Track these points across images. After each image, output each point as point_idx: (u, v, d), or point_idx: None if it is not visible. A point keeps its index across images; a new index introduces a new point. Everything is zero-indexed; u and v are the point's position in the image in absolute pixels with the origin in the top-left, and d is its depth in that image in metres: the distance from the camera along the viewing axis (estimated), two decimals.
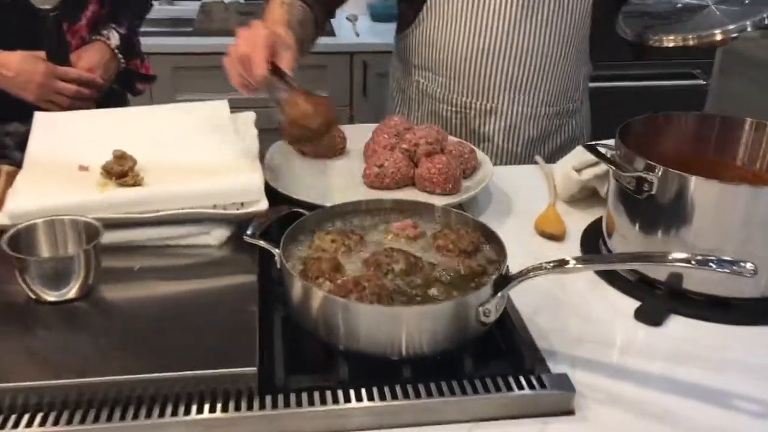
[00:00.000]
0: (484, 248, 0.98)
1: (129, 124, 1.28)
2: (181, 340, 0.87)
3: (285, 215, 1.05)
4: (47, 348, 0.86)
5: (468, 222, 1.02)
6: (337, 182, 1.27)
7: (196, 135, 1.23)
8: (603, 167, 1.24)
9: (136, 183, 1.13)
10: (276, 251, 0.94)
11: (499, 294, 0.87)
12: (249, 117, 1.32)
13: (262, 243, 0.97)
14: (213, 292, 0.99)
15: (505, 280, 0.88)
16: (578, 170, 1.26)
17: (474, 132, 1.54)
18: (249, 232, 0.98)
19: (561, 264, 0.86)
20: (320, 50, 2.68)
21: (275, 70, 1.11)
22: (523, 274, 0.87)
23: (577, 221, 1.24)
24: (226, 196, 1.05)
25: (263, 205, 1.05)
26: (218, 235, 1.05)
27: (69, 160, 1.18)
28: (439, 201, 1.20)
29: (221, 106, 1.33)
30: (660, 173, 1.02)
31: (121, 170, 1.15)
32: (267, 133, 1.30)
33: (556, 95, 1.53)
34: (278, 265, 0.94)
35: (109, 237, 1.02)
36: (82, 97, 1.47)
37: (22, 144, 1.50)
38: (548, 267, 0.86)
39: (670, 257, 0.85)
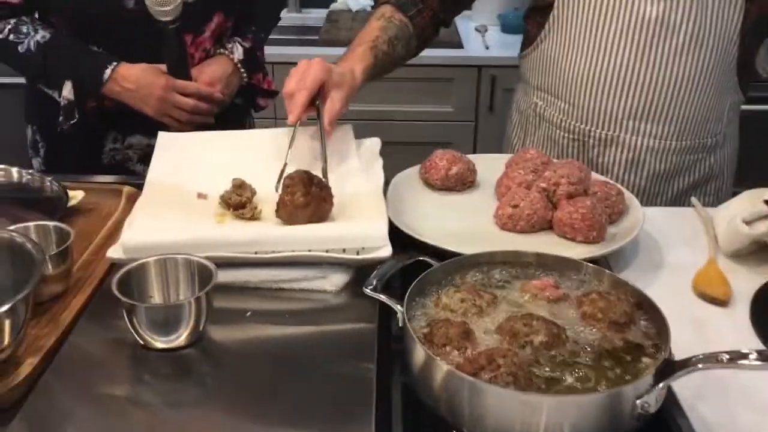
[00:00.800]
0: (638, 320, 0.84)
1: (250, 149, 1.23)
2: (293, 394, 0.81)
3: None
4: (153, 397, 0.81)
5: (620, 285, 0.88)
6: (465, 222, 1.16)
7: (318, 164, 1.16)
8: None
9: (254, 216, 1.07)
10: (399, 309, 0.84)
11: (661, 384, 0.73)
12: (374, 144, 1.24)
13: (383, 298, 0.87)
14: (328, 342, 0.90)
15: (668, 368, 0.74)
16: (748, 222, 1.08)
17: (592, 162, 1.38)
18: (370, 283, 0.89)
19: (739, 358, 0.71)
20: (447, 63, 2.60)
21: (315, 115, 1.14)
22: (692, 365, 0.73)
23: (744, 282, 1.06)
24: (348, 241, 0.97)
25: (386, 251, 0.96)
26: (336, 280, 0.97)
27: (188, 186, 1.14)
28: (580, 250, 1.07)
29: (345, 130, 1.25)
30: None
31: (239, 201, 1.09)
32: (387, 147, 1.24)
33: (690, 128, 1.33)
34: (400, 323, 0.84)
35: (222, 276, 0.95)
36: (201, 112, 1.43)
37: (144, 157, 1.51)
38: (723, 360, 0.71)
39: None
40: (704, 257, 1.12)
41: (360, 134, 2.45)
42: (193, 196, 1.12)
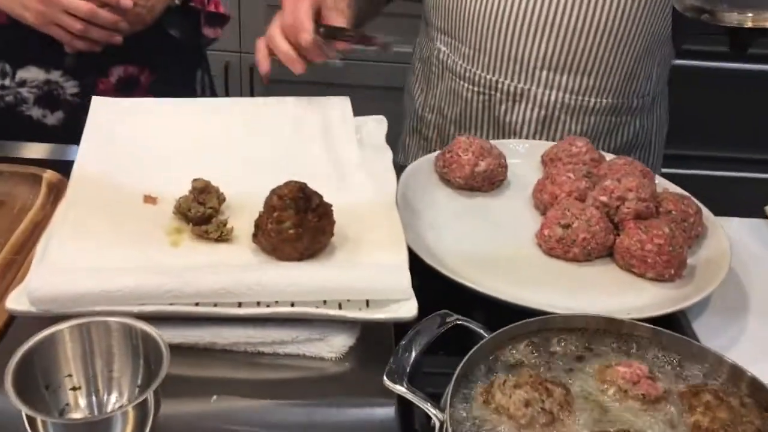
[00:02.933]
0: None
1: (220, 127, 0.92)
2: None
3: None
4: None
5: (741, 378, 0.63)
6: (498, 241, 0.89)
7: (310, 159, 0.87)
8: None
9: (222, 237, 0.78)
10: (437, 416, 0.58)
11: None
12: (379, 128, 0.94)
13: (411, 397, 0.60)
14: None
15: None
16: None
17: (497, 121, 1.13)
18: (394, 373, 0.61)
19: None
20: None
21: (327, 30, 0.96)
22: None
23: None
24: (357, 292, 0.69)
25: (410, 310, 0.69)
26: (336, 344, 0.70)
27: (130, 184, 0.83)
28: (654, 293, 0.82)
29: (341, 105, 0.96)
30: None
31: (201, 214, 0.80)
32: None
33: (613, 84, 1.09)
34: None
35: (176, 335, 0.68)
36: (102, 23, 1.06)
37: (42, 99, 1.15)
38: None
39: None
40: None
41: (339, 77, 2.09)
42: (138, 199, 0.83)
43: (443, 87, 1.18)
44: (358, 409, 0.67)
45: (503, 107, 1.12)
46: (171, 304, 0.68)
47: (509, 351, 0.66)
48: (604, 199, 0.88)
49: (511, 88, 1.10)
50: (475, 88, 1.13)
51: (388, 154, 0.91)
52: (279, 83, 2.13)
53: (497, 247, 0.88)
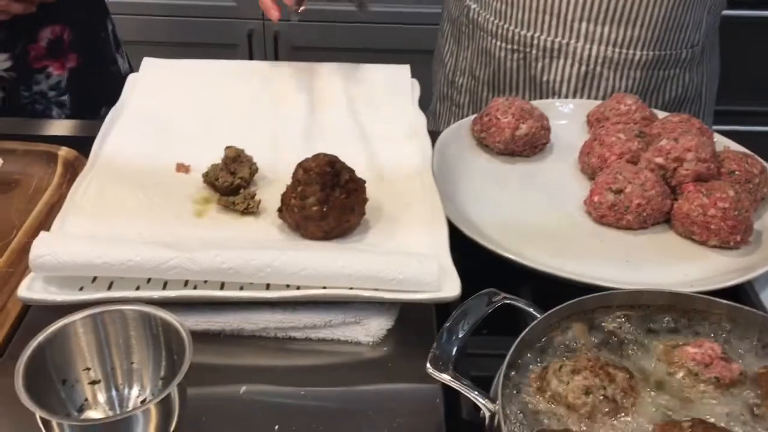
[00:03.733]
0: None
1: (266, 92, 0.87)
2: None
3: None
4: None
5: None
6: (543, 209, 0.82)
7: (354, 130, 0.82)
8: None
9: (248, 209, 0.73)
10: (487, 406, 0.53)
11: None
12: (406, 81, 0.88)
13: (458, 386, 0.55)
14: (365, 427, 0.59)
15: None
16: None
17: (534, 80, 1.05)
18: (438, 360, 0.56)
19: None
20: None
21: None
22: None
23: None
24: (375, 281, 0.63)
25: (454, 289, 0.63)
26: (374, 327, 0.64)
27: (164, 152, 0.80)
28: (721, 262, 0.75)
29: (399, 73, 0.90)
30: None
31: (229, 184, 0.75)
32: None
33: (660, 35, 1.00)
34: (487, 424, 0.53)
35: (202, 321, 0.63)
36: None
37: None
38: None
39: None
40: None
41: (370, 41, 2.01)
42: (171, 167, 0.78)
43: (474, 47, 1.10)
44: (399, 397, 0.61)
45: (540, 65, 1.04)
46: (195, 287, 0.64)
47: (563, 332, 0.60)
48: (659, 160, 0.80)
49: (548, 44, 1.02)
50: (509, 46, 1.05)
51: (423, 121, 0.84)
52: (303, 50, 2.07)
53: (543, 216, 0.81)
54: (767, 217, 0.81)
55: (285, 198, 0.68)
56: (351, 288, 0.63)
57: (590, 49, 1.01)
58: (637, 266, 0.75)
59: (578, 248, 0.77)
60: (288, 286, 0.64)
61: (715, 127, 1.03)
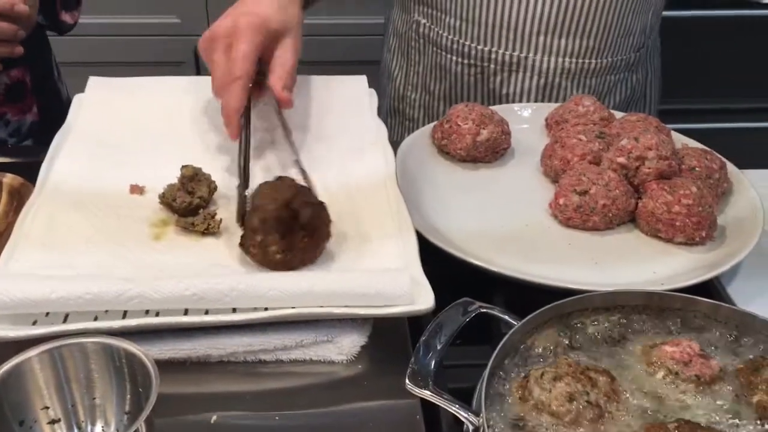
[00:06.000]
0: None
1: (217, 107, 0.84)
2: None
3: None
4: None
5: None
6: (508, 214, 0.81)
7: (314, 142, 0.80)
8: None
9: (209, 229, 0.70)
10: (470, 419, 0.51)
11: None
12: (369, 108, 0.86)
13: (439, 401, 0.53)
14: None
15: None
16: None
17: (493, 94, 1.06)
18: (416, 375, 0.54)
19: None
20: None
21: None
22: None
23: None
24: (346, 298, 0.61)
25: (425, 301, 0.61)
26: (347, 345, 0.62)
27: (116, 174, 0.76)
28: (685, 259, 0.75)
29: (356, 85, 0.88)
30: None
31: (187, 204, 0.72)
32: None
33: (611, 42, 1.02)
34: None
35: (167, 349, 0.60)
36: (4, 37, 0.94)
37: None
38: None
39: None
40: None
41: (327, 54, 1.98)
42: (124, 189, 0.75)
43: (426, 62, 1.09)
44: (377, 415, 0.59)
45: (498, 79, 1.04)
46: (157, 314, 0.61)
47: (542, 338, 0.59)
48: (621, 160, 0.80)
49: (507, 58, 1.02)
50: (466, 61, 1.04)
51: (384, 130, 0.82)
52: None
53: (509, 221, 0.80)
54: (729, 211, 0.82)
55: (244, 244, 0.65)
56: (321, 306, 0.60)
57: (548, 61, 1.02)
58: (607, 267, 0.75)
59: (547, 252, 0.76)
60: (255, 308, 0.62)
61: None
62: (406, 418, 0.58)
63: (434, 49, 1.07)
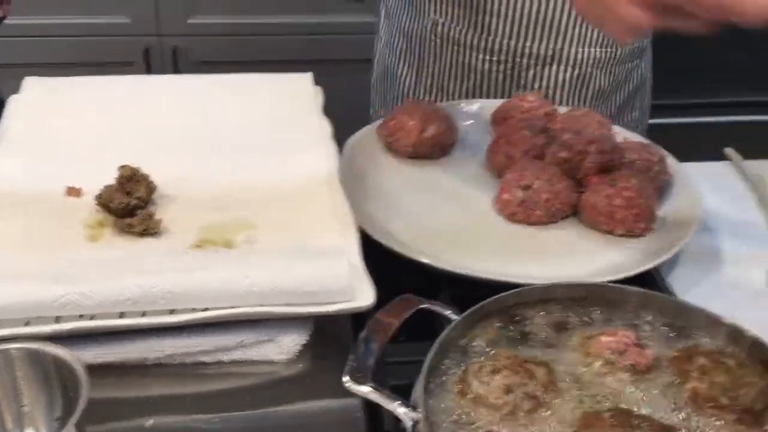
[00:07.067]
0: None
1: (159, 107, 0.83)
2: None
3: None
4: None
5: (737, 335, 0.58)
6: (454, 211, 0.81)
7: (253, 139, 0.79)
8: None
9: (148, 230, 0.69)
10: (408, 415, 0.51)
11: None
12: (314, 106, 0.85)
13: (377, 397, 0.53)
14: None
15: None
16: None
17: (525, 89, 1.05)
18: (355, 372, 0.54)
19: None
20: None
21: None
22: None
23: None
24: (304, 295, 0.60)
25: (366, 297, 0.61)
26: (287, 344, 0.61)
27: (52, 175, 0.74)
28: (627, 252, 0.76)
29: (301, 80, 0.87)
30: None
31: (125, 206, 0.70)
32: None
33: None
34: None
35: (101, 353, 0.59)
36: None
37: None
38: None
39: None
40: (765, 235, 0.84)
41: (271, 53, 1.98)
42: (59, 191, 0.73)
43: (444, 62, 1.07)
44: (318, 414, 0.59)
45: (531, 73, 1.04)
46: (92, 317, 0.59)
47: (483, 332, 0.59)
48: (564, 154, 0.81)
49: (542, 51, 1.02)
50: (495, 58, 1.03)
51: (328, 128, 0.82)
52: (205, 64, 2.01)
53: (455, 217, 0.80)
54: (669, 203, 0.83)
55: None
56: (261, 305, 0.60)
57: (582, 52, 1.03)
58: (550, 260, 0.75)
59: (491, 247, 0.76)
60: (194, 308, 0.61)
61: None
62: (348, 416, 0.58)
63: (455, 48, 1.05)
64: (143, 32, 1.88)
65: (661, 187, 0.84)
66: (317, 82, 0.92)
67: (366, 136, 0.91)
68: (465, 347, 0.58)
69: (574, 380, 0.56)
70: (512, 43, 1.02)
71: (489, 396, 0.53)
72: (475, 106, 0.98)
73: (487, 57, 1.03)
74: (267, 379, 0.61)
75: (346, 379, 0.53)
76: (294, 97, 0.85)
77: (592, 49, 1.03)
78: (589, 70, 1.04)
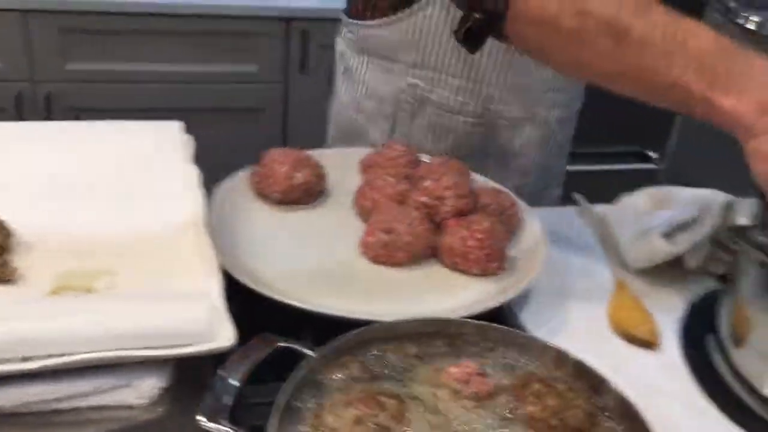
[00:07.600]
0: (600, 417, 0.60)
1: (19, 153, 0.82)
2: None
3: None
4: None
5: (565, 362, 0.63)
6: (322, 254, 0.84)
7: (119, 187, 0.79)
8: (702, 231, 0.88)
9: (2, 278, 0.68)
10: None
11: None
12: (183, 153, 0.87)
13: None
14: None
15: None
16: (667, 235, 0.89)
17: (500, 148, 1.12)
18: (208, 410, 0.55)
19: None
20: (245, 13, 2.21)
21: None
22: None
23: (660, 308, 0.87)
24: (164, 337, 0.61)
25: (226, 338, 0.62)
26: (145, 388, 0.62)
27: None
28: (480, 288, 0.81)
29: (169, 128, 0.88)
30: None
31: None
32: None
33: (581, 88, 1.19)
34: None
35: None
36: None
37: None
38: None
39: None
40: (607, 275, 0.93)
41: (148, 101, 1.99)
42: None
43: (422, 122, 1.09)
44: None
45: (507, 134, 1.10)
46: None
47: (339, 368, 0.62)
48: (423, 199, 0.86)
49: (518, 114, 1.09)
50: (474, 120, 1.08)
51: (195, 175, 0.84)
52: (79, 111, 1.98)
53: (322, 260, 0.84)
54: (521, 245, 0.90)
55: None
56: (119, 348, 0.60)
57: (552, 113, 1.12)
58: (410, 299, 0.80)
59: (354, 288, 0.80)
60: (50, 353, 0.60)
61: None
62: None
63: (434, 110, 1.08)
64: (16, 78, 1.83)
65: (513, 230, 0.91)
66: (191, 130, 0.93)
67: (236, 183, 0.93)
68: (321, 383, 0.60)
69: (424, 410, 0.60)
70: (493, 107, 1.07)
71: (341, 429, 0.56)
72: (343, 153, 1.03)
73: (466, 119, 1.08)
74: (125, 424, 0.61)
75: (200, 417, 0.55)
76: (162, 144, 0.86)
77: (560, 110, 1.13)
78: (554, 127, 1.14)
